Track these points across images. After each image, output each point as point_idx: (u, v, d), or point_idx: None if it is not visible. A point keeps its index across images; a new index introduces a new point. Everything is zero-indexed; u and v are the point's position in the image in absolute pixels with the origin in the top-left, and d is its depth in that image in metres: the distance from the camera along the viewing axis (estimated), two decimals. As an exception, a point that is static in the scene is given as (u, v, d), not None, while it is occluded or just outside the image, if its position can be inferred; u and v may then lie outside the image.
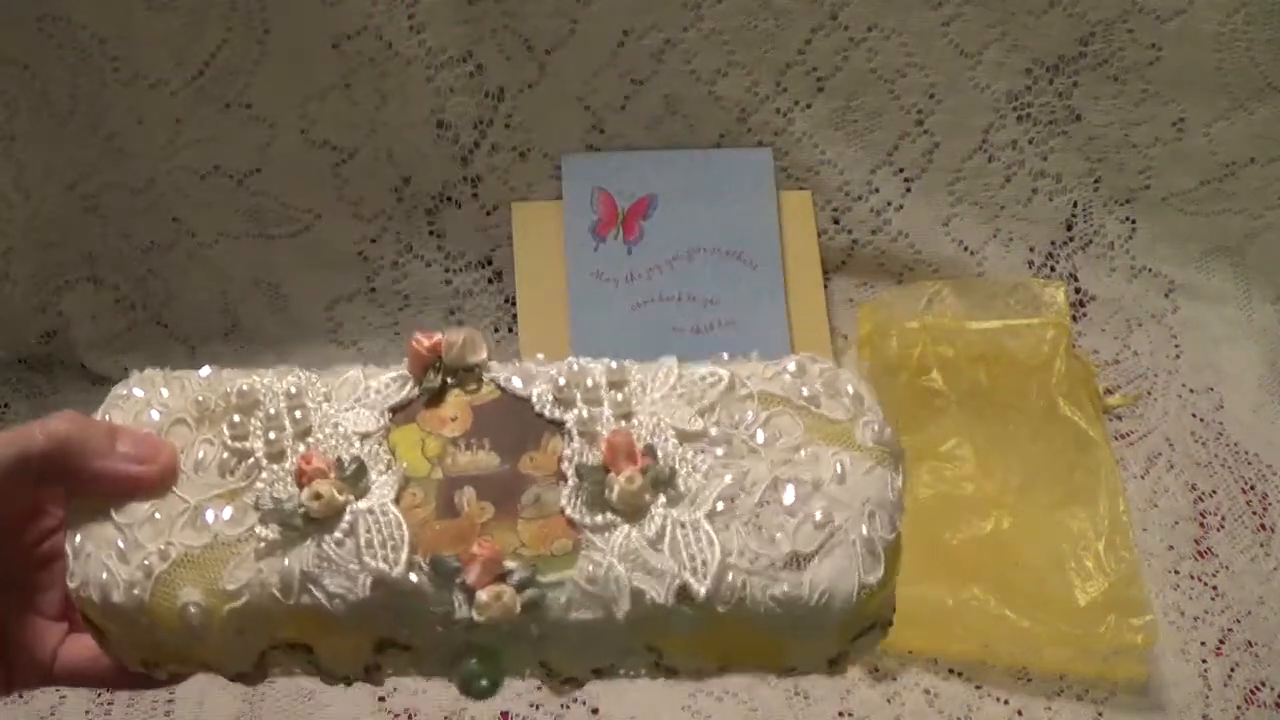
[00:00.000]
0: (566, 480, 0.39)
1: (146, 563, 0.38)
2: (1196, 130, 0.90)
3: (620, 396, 0.41)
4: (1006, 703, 0.74)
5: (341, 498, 0.39)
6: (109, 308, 0.90)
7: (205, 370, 0.44)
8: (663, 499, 0.39)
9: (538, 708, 0.73)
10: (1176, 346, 0.93)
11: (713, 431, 0.40)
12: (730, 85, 0.89)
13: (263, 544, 0.39)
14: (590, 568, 0.38)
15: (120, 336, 0.90)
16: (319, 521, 0.39)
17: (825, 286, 0.93)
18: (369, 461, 0.40)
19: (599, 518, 0.39)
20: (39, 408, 0.88)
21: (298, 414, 0.41)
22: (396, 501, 0.39)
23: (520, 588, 0.37)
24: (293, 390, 0.42)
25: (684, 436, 0.40)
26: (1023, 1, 0.87)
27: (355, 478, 0.39)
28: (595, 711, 0.73)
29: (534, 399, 0.41)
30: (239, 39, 0.83)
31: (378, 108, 0.86)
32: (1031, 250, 0.94)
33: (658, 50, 0.87)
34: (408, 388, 0.42)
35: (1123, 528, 0.78)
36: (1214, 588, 0.80)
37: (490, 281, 0.93)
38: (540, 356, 0.43)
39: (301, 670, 0.41)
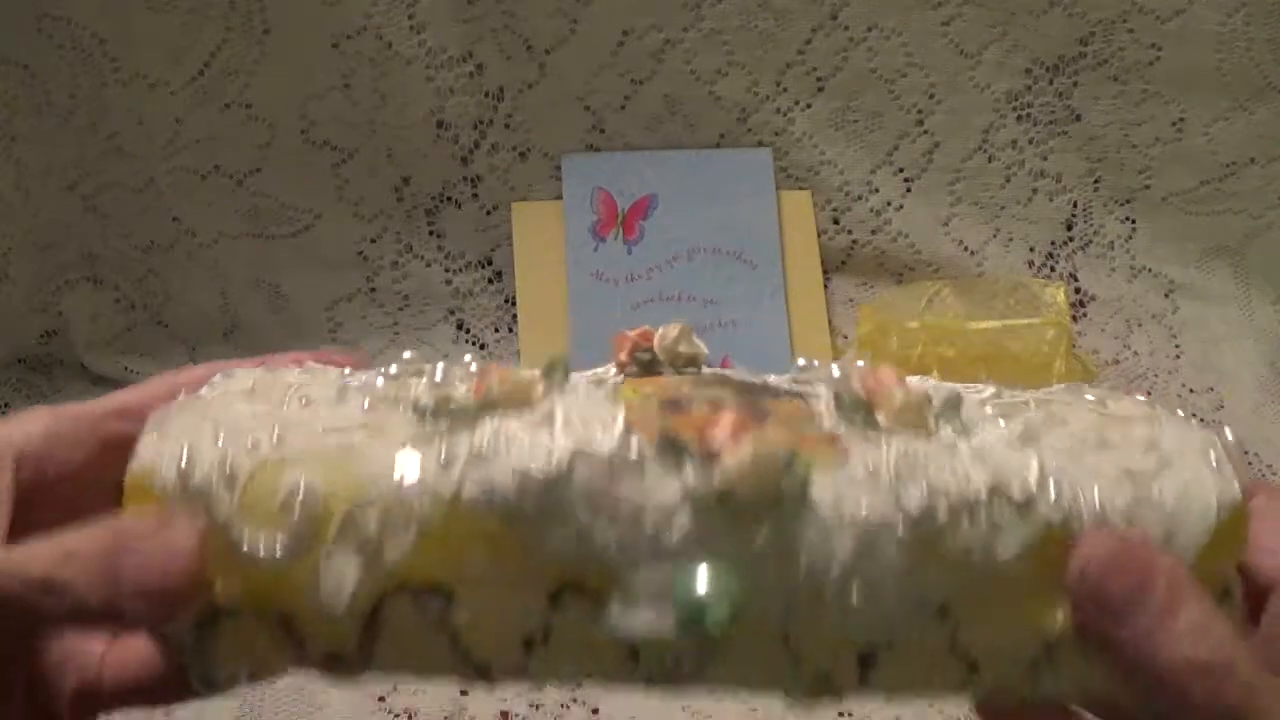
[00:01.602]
0: (821, 417, 0.30)
1: (253, 443, 0.29)
2: (1196, 130, 0.90)
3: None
4: (1006, 703, 0.74)
5: (539, 389, 0.30)
6: (109, 308, 0.90)
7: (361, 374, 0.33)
8: (949, 428, 0.30)
9: (537, 708, 0.73)
10: (1176, 346, 0.93)
11: (989, 412, 0.32)
12: (730, 85, 0.89)
13: (417, 436, 0.29)
14: (869, 461, 0.29)
15: (120, 336, 0.90)
16: (502, 409, 0.29)
17: (825, 286, 0.93)
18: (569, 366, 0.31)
19: (870, 432, 0.30)
20: (39, 408, 0.88)
21: (474, 368, 0.31)
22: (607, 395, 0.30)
23: (782, 461, 0.28)
24: (474, 368, 0.32)
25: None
26: (1023, 1, 0.87)
27: (554, 372, 0.30)
28: (595, 711, 0.73)
29: (769, 380, 0.33)
30: (239, 39, 0.83)
31: (378, 108, 0.86)
32: (1031, 250, 0.94)
33: (658, 50, 0.87)
34: (611, 375, 0.33)
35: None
36: (1214, 588, 0.80)
37: (490, 281, 0.93)
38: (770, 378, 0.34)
39: (429, 652, 0.30)
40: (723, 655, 0.29)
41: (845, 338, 0.92)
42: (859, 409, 0.31)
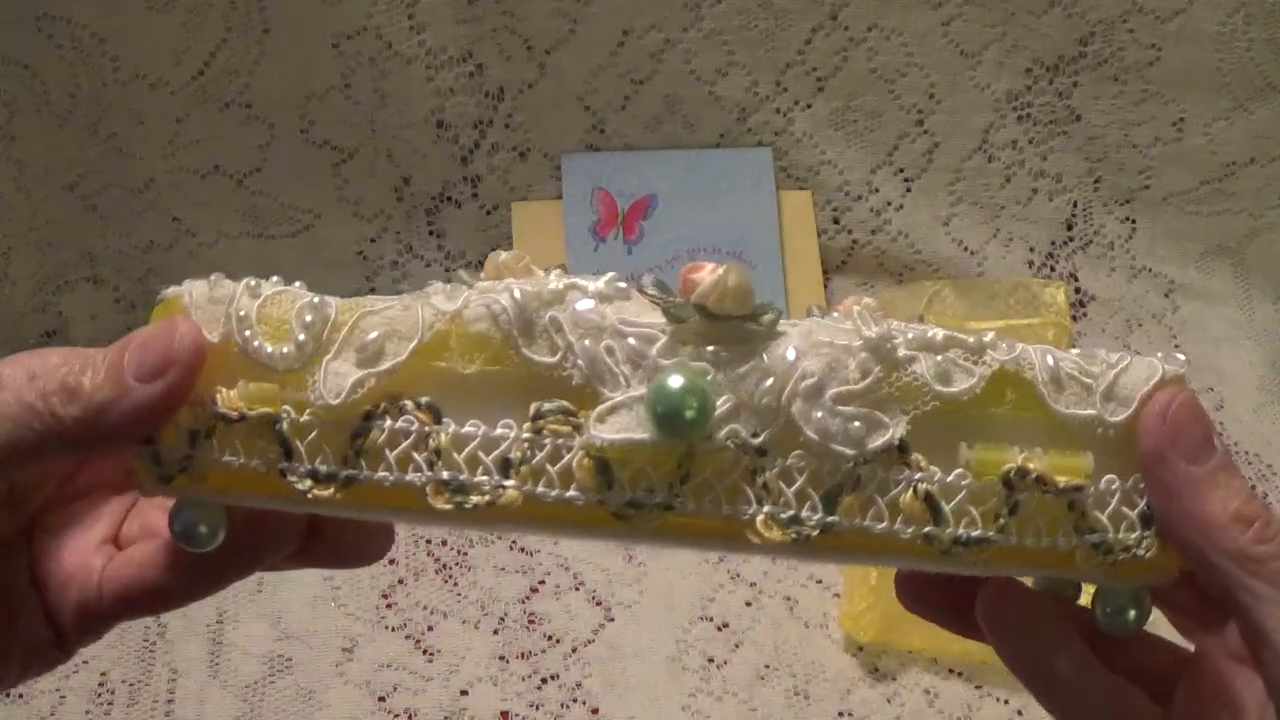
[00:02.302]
0: None
1: (275, 279, 0.33)
2: (1196, 130, 0.90)
3: None
4: (1006, 702, 0.74)
5: (539, 270, 0.33)
6: (109, 308, 0.90)
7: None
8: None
9: (538, 708, 0.73)
10: (1176, 347, 0.93)
11: None
12: (730, 85, 0.89)
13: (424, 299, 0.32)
14: (835, 315, 0.33)
15: (120, 336, 0.90)
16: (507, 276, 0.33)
17: (825, 286, 0.93)
18: None
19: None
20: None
21: None
22: None
23: (760, 310, 0.31)
24: None
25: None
26: (1023, 1, 0.87)
27: (552, 267, 0.34)
28: (595, 711, 0.73)
29: None
30: (239, 39, 0.83)
31: (378, 108, 0.86)
32: (1031, 250, 0.94)
33: (658, 50, 0.87)
34: None
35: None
36: (1214, 588, 0.80)
37: (490, 281, 0.93)
38: None
39: (408, 474, 0.31)
40: (693, 485, 0.31)
41: (845, 338, 0.92)
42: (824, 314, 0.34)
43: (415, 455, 0.31)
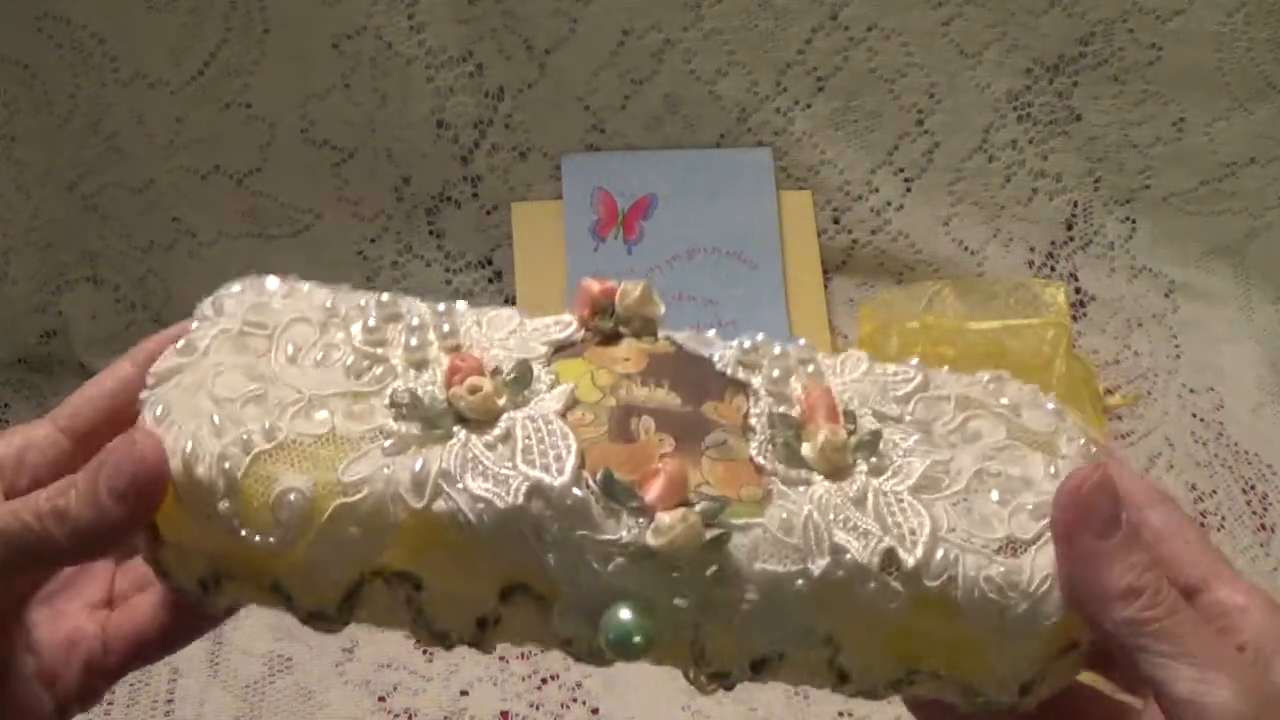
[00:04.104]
0: (755, 433, 0.35)
1: (246, 438, 0.33)
2: (1196, 130, 0.90)
3: (811, 369, 0.38)
4: (1006, 703, 0.74)
5: (500, 401, 0.34)
6: (109, 308, 0.90)
7: (344, 288, 0.39)
8: (864, 466, 0.35)
9: (537, 708, 0.73)
10: (1176, 346, 0.93)
11: (909, 418, 0.38)
12: (730, 85, 0.89)
13: (393, 441, 0.33)
14: (785, 515, 0.33)
15: (120, 336, 0.90)
16: (468, 423, 0.34)
17: (825, 286, 0.93)
18: (533, 372, 0.35)
19: (794, 472, 0.34)
20: (39, 408, 0.88)
21: (446, 327, 0.37)
22: (563, 417, 0.34)
23: (706, 519, 0.32)
24: (441, 308, 0.38)
25: (881, 417, 0.37)
26: (1023, 1, 0.87)
27: (517, 384, 0.35)
28: (595, 711, 0.73)
29: (715, 358, 0.38)
30: (239, 39, 0.83)
31: (378, 108, 0.86)
32: (1031, 250, 0.94)
33: (658, 50, 0.87)
34: (572, 329, 0.38)
35: (1123, 528, 0.77)
36: (1214, 588, 0.80)
37: (490, 281, 0.93)
38: (712, 332, 0.39)
39: (397, 620, 0.35)
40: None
41: (845, 337, 0.92)
42: (788, 434, 0.35)
43: (400, 611, 0.35)
